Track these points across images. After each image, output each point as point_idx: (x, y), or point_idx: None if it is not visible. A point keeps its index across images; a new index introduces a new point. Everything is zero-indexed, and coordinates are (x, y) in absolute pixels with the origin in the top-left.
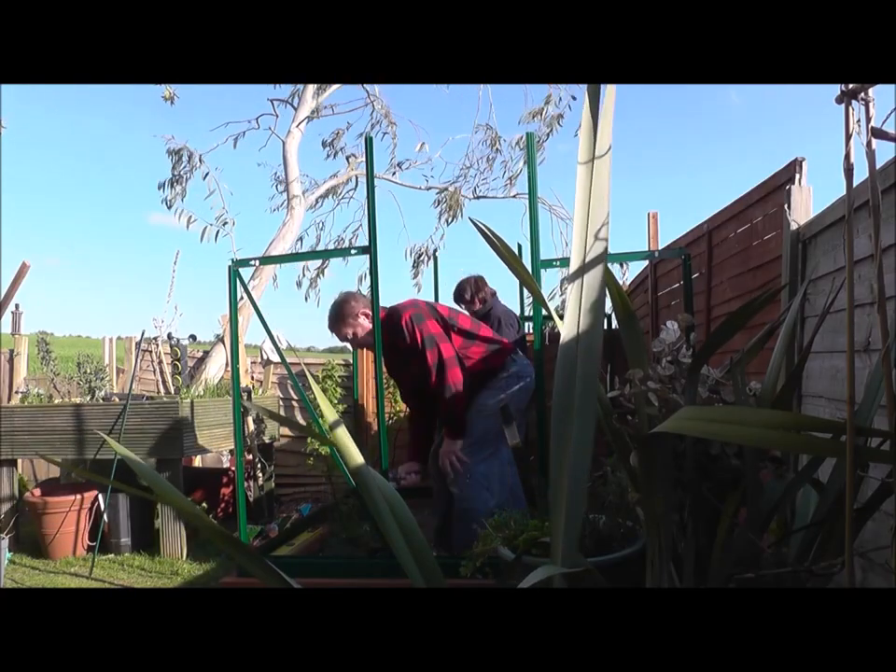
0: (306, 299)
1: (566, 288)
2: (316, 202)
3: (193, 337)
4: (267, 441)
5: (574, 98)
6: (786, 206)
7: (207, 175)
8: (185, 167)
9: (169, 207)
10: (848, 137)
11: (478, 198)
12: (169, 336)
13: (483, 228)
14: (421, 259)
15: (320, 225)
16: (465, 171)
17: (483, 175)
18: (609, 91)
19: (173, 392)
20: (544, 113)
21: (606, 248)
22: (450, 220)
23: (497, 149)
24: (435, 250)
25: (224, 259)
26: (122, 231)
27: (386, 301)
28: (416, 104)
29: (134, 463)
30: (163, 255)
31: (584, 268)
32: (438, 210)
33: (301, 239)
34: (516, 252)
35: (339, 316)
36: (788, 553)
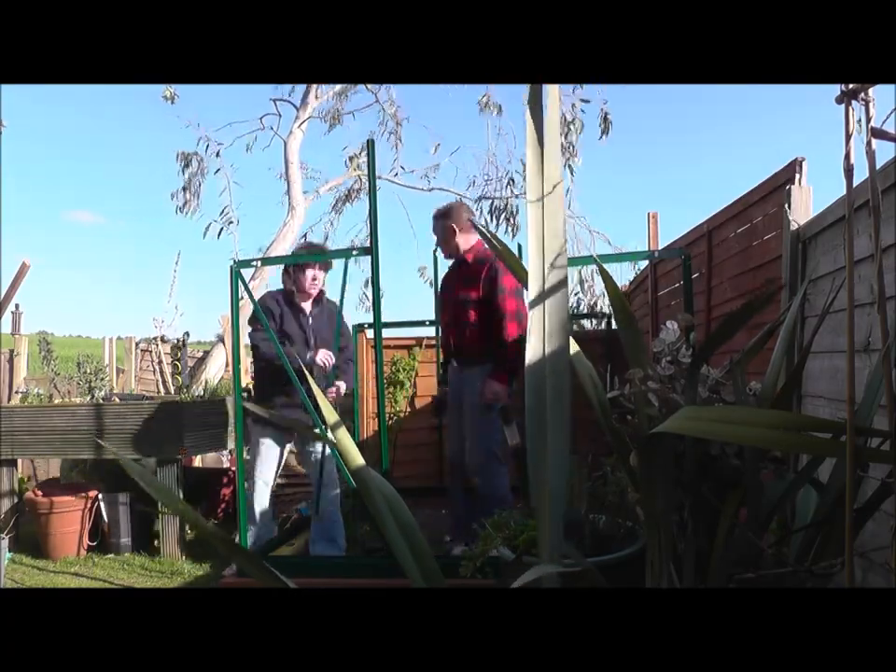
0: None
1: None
2: (334, 206)
3: (187, 334)
4: None
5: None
6: (786, 206)
7: (219, 170)
8: (196, 167)
9: (183, 209)
10: (848, 137)
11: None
12: (163, 339)
13: (483, 230)
14: None
15: (328, 224)
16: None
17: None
18: (553, 95)
19: (173, 392)
20: None
21: (565, 273)
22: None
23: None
24: (435, 250)
25: (217, 256)
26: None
27: (390, 300)
28: (424, 107)
29: (132, 466)
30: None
31: (544, 294)
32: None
33: (305, 236)
34: (516, 252)
35: (449, 215)
36: (788, 553)
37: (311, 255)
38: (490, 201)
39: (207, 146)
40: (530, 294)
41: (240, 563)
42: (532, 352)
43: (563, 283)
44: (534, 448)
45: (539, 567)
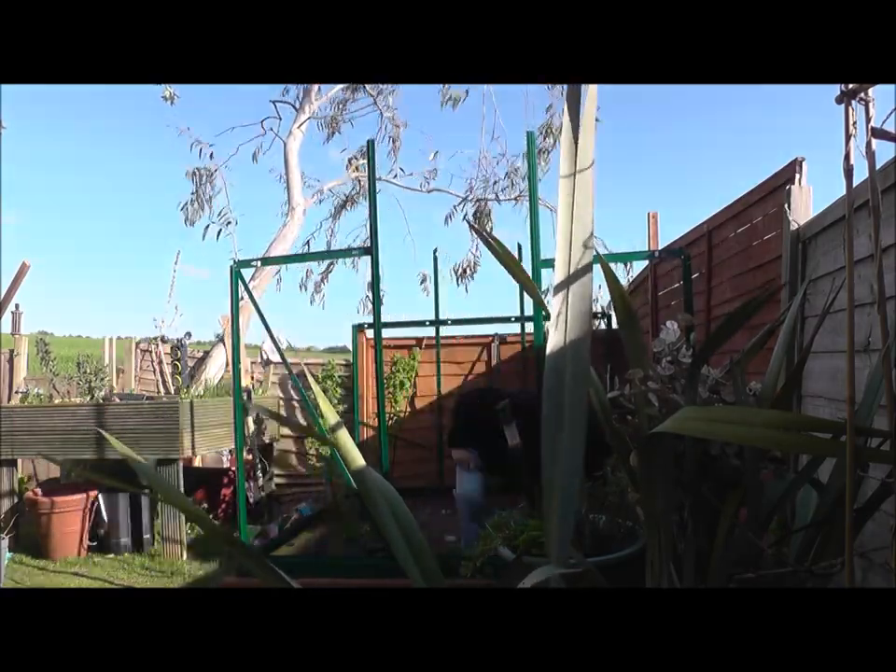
0: (311, 302)
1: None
2: (336, 212)
3: (189, 334)
4: (267, 442)
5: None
6: (786, 206)
7: (215, 171)
8: (203, 177)
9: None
10: (848, 137)
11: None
12: (163, 339)
13: (480, 230)
14: (465, 273)
15: (329, 231)
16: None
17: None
18: (591, 94)
19: (173, 392)
20: (551, 125)
21: (591, 260)
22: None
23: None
24: (435, 250)
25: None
26: None
27: (391, 301)
28: (423, 113)
29: (136, 463)
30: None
31: (570, 279)
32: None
33: (308, 242)
34: (516, 252)
35: None
36: (788, 553)
37: (313, 255)
38: (476, 202)
39: (200, 149)
40: (556, 279)
41: (243, 561)
42: (554, 339)
43: (588, 268)
44: (548, 438)
45: (545, 569)
